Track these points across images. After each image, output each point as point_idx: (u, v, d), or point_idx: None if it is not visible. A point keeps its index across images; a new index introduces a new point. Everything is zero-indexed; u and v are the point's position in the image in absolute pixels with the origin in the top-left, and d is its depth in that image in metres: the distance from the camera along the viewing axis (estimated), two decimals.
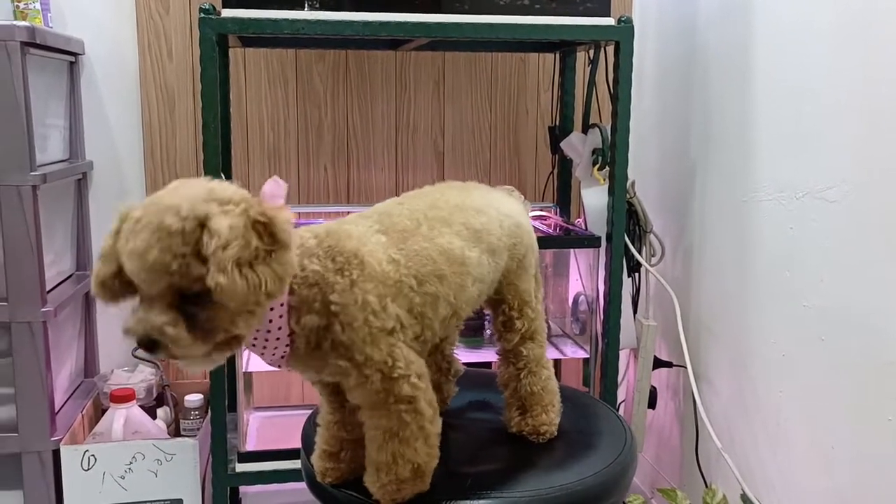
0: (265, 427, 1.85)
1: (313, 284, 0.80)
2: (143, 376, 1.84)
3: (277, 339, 0.81)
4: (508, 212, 1.01)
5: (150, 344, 0.72)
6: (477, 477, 0.92)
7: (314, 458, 0.94)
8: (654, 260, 1.79)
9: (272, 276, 0.71)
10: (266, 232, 0.73)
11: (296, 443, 1.64)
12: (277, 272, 0.72)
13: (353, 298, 0.80)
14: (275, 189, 0.79)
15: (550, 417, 1.01)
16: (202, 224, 0.71)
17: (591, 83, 1.81)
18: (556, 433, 1.02)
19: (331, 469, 0.92)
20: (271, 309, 0.79)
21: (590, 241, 1.67)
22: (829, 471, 1.30)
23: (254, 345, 0.81)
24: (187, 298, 0.72)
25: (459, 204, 0.95)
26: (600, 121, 1.79)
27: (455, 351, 1.14)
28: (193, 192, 0.73)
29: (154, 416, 1.79)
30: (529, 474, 0.94)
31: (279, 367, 0.85)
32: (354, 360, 0.81)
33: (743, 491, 1.45)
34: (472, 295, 0.92)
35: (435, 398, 0.88)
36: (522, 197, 1.14)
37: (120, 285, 0.75)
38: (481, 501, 0.87)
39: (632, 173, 1.65)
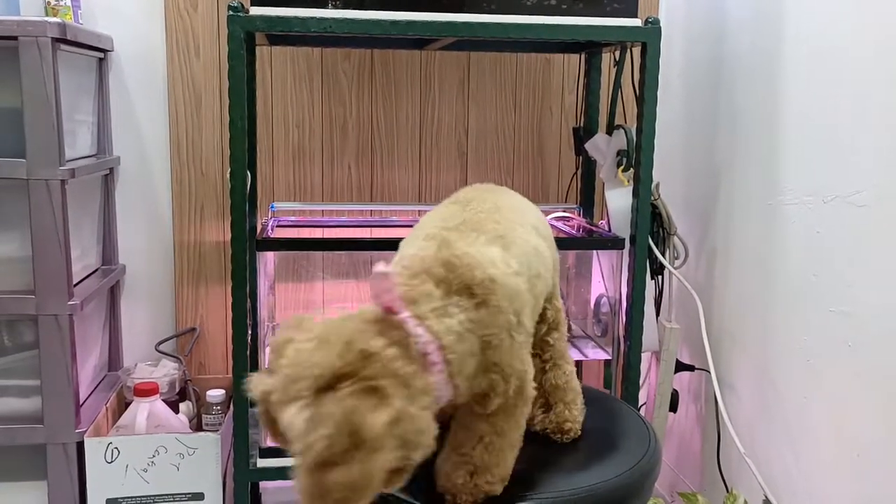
0: None
1: (464, 335, 0.77)
2: (165, 370, 1.86)
3: (439, 405, 0.78)
4: (536, 209, 1.04)
5: None
6: None
7: None
8: (677, 262, 1.78)
9: (344, 484, 0.66)
10: (352, 442, 0.66)
11: None
12: (353, 479, 0.66)
13: (496, 322, 0.79)
14: (381, 284, 0.75)
15: (574, 415, 1.01)
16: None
17: (617, 84, 1.80)
18: (579, 432, 1.01)
19: None
20: (444, 385, 0.77)
21: (613, 243, 1.66)
22: (855, 478, 1.29)
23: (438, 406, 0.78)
24: None
25: (509, 205, 0.96)
26: (625, 122, 1.78)
27: None
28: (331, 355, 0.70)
29: (176, 411, 1.80)
30: (553, 475, 0.93)
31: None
32: (504, 373, 0.82)
33: (765, 496, 1.44)
34: (549, 285, 0.95)
35: None
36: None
37: None
38: (504, 501, 0.87)
39: (656, 175, 1.65)
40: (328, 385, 0.68)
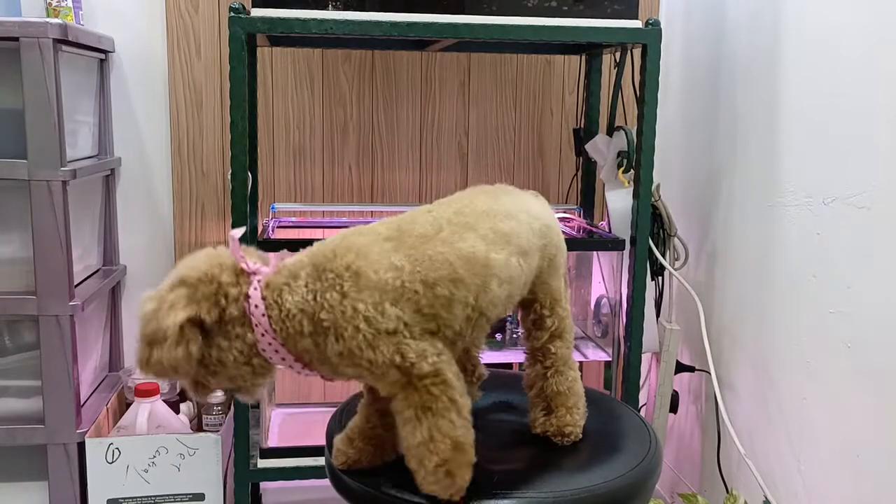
0: (287, 424, 1.86)
1: (295, 315, 0.85)
2: None
3: (291, 366, 0.88)
4: (538, 214, 1.02)
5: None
6: (501, 476, 0.92)
7: (337, 438, 0.97)
8: (677, 264, 1.78)
9: (155, 361, 0.83)
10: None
11: (317, 440, 1.67)
12: (160, 359, 0.82)
13: (341, 311, 0.84)
14: (233, 246, 0.88)
15: (575, 419, 1.01)
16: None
17: (617, 86, 1.81)
18: (580, 436, 1.02)
19: (340, 452, 0.96)
20: (276, 351, 0.87)
21: (614, 244, 1.67)
22: (854, 479, 1.29)
23: (291, 367, 0.89)
24: None
25: (487, 210, 0.96)
26: (625, 123, 1.78)
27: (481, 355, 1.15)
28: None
29: (177, 411, 1.80)
30: (553, 475, 0.94)
31: (303, 369, 0.91)
32: (361, 365, 0.84)
33: (765, 497, 1.44)
34: (498, 295, 0.93)
35: (461, 374, 0.90)
36: (546, 202, 1.15)
37: None
38: (505, 501, 0.88)
39: (656, 176, 1.65)
40: (171, 287, 0.84)
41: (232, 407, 1.79)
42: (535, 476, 0.93)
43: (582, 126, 1.93)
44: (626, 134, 1.71)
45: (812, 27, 1.42)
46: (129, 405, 1.75)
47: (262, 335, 0.85)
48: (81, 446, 1.60)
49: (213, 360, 0.85)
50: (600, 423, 1.06)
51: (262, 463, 1.61)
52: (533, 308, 1.04)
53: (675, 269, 1.77)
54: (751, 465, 1.51)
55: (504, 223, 0.95)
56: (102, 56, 1.84)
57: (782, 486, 1.47)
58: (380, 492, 0.90)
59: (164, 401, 1.75)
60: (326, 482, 0.99)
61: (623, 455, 0.98)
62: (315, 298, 0.84)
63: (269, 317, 0.85)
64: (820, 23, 1.40)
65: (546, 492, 0.89)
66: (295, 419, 1.88)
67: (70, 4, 1.74)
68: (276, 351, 0.86)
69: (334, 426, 1.04)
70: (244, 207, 1.51)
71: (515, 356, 1.76)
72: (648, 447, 0.99)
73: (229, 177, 1.52)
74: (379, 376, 0.86)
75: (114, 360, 1.94)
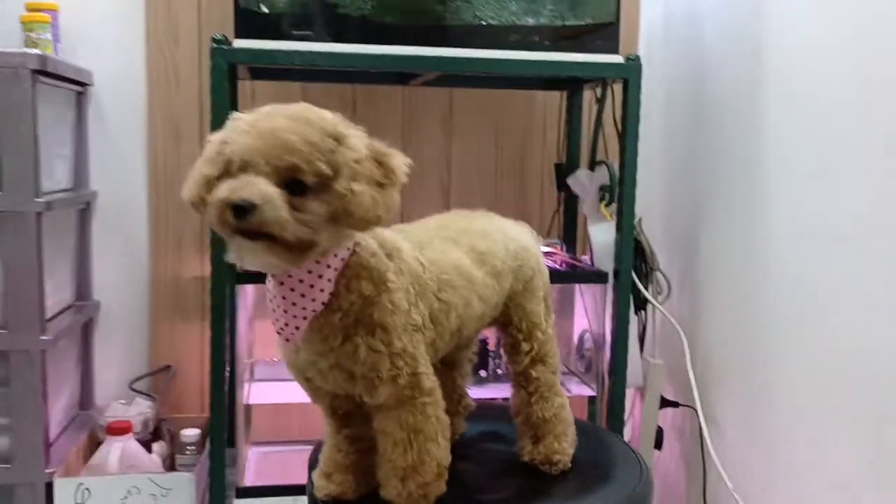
0: (263, 462, 1.81)
1: (374, 254, 0.84)
2: (139, 409, 1.81)
3: (321, 290, 0.81)
4: (515, 236, 1.03)
5: (247, 208, 0.73)
6: None
7: (315, 474, 0.95)
8: (660, 298, 1.78)
9: (384, 205, 0.78)
10: (383, 167, 0.81)
11: (295, 479, 1.62)
12: (388, 203, 0.79)
13: (401, 283, 0.84)
14: None
15: (563, 447, 0.99)
16: (338, 139, 0.78)
17: (599, 120, 1.82)
18: (569, 465, 0.99)
19: (322, 487, 0.93)
20: (334, 255, 0.81)
21: (597, 277, 1.66)
22: None
23: (292, 290, 0.81)
24: (290, 188, 0.75)
25: (465, 228, 0.99)
26: (607, 158, 1.79)
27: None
28: (329, 114, 0.82)
29: (150, 451, 1.75)
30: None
31: (289, 338, 0.84)
32: (392, 347, 0.82)
33: None
34: (476, 312, 0.94)
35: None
36: (535, 232, 1.15)
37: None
38: None
39: (637, 211, 1.65)
40: None
41: (206, 446, 1.74)
42: None
43: (563, 161, 1.94)
44: (608, 168, 1.71)
45: (792, 58, 1.44)
46: (100, 444, 1.70)
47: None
48: (50, 486, 1.54)
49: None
50: (589, 452, 1.04)
51: (238, 503, 1.56)
52: (509, 331, 1.04)
53: (658, 304, 1.76)
54: (739, 501, 1.48)
55: (480, 242, 0.96)
56: (81, 89, 1.83)
57: None
58: None
59: (137, 440, 1.70)
60: None
61: (613, 484, 0.96)
62: (381, 256, 0.85)
63: (357, 243, 0.84)
64: (800, 55, 1.42)
65: None
66: (272, 458, 1.83)
67: (49, 37, 1.72)
68: (334, 268, 0.82)
69: (316, 460, 1.00)
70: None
71: (499, 391, 1.73)
72: (640, 476, 0.97)
73: None
74: (396, 372, 0.83)
75: (85, 398, 1.88)
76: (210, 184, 0.78)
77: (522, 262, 1.01)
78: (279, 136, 0.76)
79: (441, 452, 0.87)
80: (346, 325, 0.82)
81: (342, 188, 0.76)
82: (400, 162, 0.82)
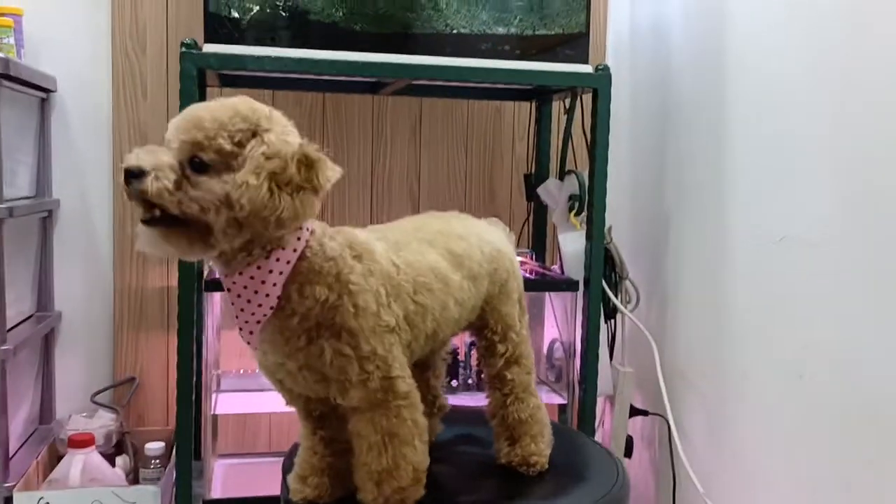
0: (230, 475, 1.77)
1: (331, 259, 0.83)
2: (102, 422, 1.76)
3: (267, 295, 0.81)
4: (490, 239, 1.03)
5: (137, 173, 0.75)
6: None
7: (290, 477, 0.93)
8: (629, 306, 1.79)
9: (291, 208, 0.75)
10: (306, 169, 0.77)
11: (263, 490, 1.59)
12: (297, 208, 0.76)
13: (369, 285, 0.82)
14: None
15: (540, 448, 0.99)
16: (255, 131, 0.77)
17: (568, 131, 1.84)
18: (546, 466, 0.99)
19: (297, 490, 0.91)
20: (276, 260, 0.80)
21: (568, 285, 1.67)
22: None
23: (239, 295, 0.81)
24: (193, 165, 0.76)
25: (442, 230, 0.98)
26: (576, 168, 1.81)
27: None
28: (265, 108, 0.81)
29: (113, 465, 1.70)
30: None
31: (249, 341, 0.84)
32: (360, 350, 0.81)
33: None
34: (453, 315, 0.93)
35: None
36: (507, 229, 1.15)
37: None
38: None
39: (606, 220, 1.66)
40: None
41: (171, 460, 1.70)
42: None
43: (532, 171, 1.95)
44: (577, 177, 1.73)
45: (756, 68, 1.47)
46: (60, 459, 1.65)
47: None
48: (9, 501, 1.49)
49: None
50: (565, 454, 1.04)
51: None
52: (484, 334, 1.04)
53: (628, 312, 1.77)
54: None
55: (457, 244, 0.96)
56: (44, 95, 1.79)
57: None
58: None
59: (100, 453, 1.65)
60: None
61: (590, 485, 0.96)
62: (344, 257, 0.83)
63: (308, 247, 0.82)
64: (764, 62, 1.45)
65: None
66: (238, 469, 1.80)
67: (12, 42, 1.69)
68: (280, 273, 0.81)
69: (289, 465, 0.99)
70: None
71: (472, 400, 1.72)
72: (616, 477, 0.97)
73: None
74: (365, 376, 0.82)
75: (45, 412, 1.83)
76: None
77: (497, 265, 1.00)
78: (193, 114, 0.78)
79: (418, 457, 0.86)
80: (307, 329, 0.81)
81: (239, 177, 0.75)
82: (327, 169, 0.80)
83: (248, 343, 0.84)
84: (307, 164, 0.78)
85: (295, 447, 0.98)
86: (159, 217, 0.76)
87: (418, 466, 0.86)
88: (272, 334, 0.82)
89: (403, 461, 0.84)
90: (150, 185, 0.74)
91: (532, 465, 0.98)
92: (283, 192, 0.75)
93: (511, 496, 0.92)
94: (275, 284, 0.80)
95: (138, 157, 0.76)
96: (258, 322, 0.82)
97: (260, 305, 0.81)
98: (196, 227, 0.76)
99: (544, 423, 1.01)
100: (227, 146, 0.76)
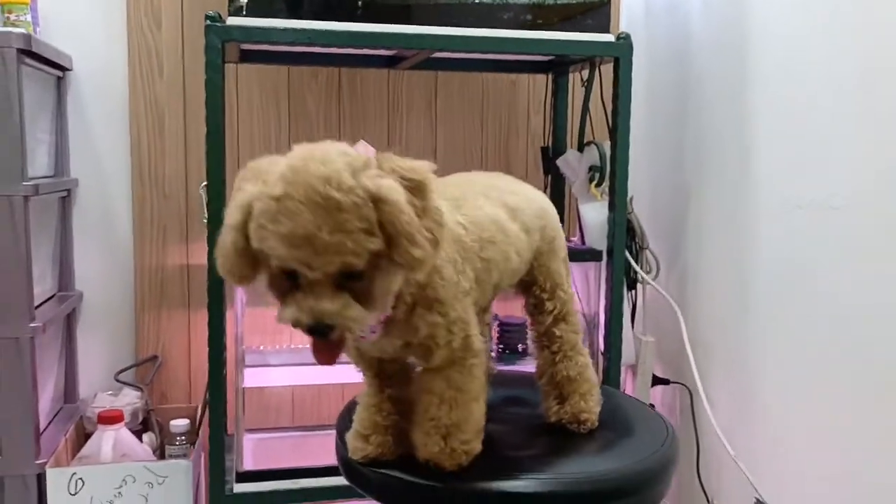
0: (259, 449, 1.78)
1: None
2: (127, 400, 1.76)
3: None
4: (535, 197, 1.04)
5: (325, 329, 0.70)
6: (516, 460, 0.90)
7: (348, 436, 0.93)
8: (650, 276, 1.80)
9: (437, 230, 0.72)
10: (416, 189, 0.72)
11: (292, 462, 1.60)
12: (439, 224, 0.73)
13: (448, 255, 0.82)
14: (367, 151, 0.77)
15: (590, 405, 1.00)
16: (375, 201, 0.69)
17: (587, 101, 1.84)
18: (596, 423, 1.00)
19: (359, 448, 0.91)
20: None
21: (591, 255, 1.68)
22: (841, 479, 1.31)
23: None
24: (348, 275, 0.70)
25: (493, 184, 0.98)
26: (594, 139, 1.81)
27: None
28: (332, 157, 0.70)
29: (140, 441, 1.71)
30: (572, 459, 0.92)
31: (372, 333, 0.83)
32: (448, 317, 0.82)
33: (757, 498, 1.45)
34: (514, 267, 0.94)
35: None
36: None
37: (248, 265, 0.73)
38: (520, 482, 0.85)
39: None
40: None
41: (199, 435, 1.71)
42: (552, 460, 0.91)
43: (549, 145, 1.96)
44: (597, 147, 1.73)
45: (779, 32, 1.48)
46: (87, 436, 1.65)
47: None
48: (41, 478, 1.50)
49: None
50: (614, 414, 1.05)
51: (239, 487, 1.53)
52: (532, 291, 1.04)
53: (651, 281, 1.78)
54: (742, 467, 1.51)
55: (510, 197, 0.97)
56: (61, 74, 1.78)
57: (767, 492, 1.48)
58: (403, 480, 0.86)
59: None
60: None
61: (641, 443, 0.97)
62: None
63: None
64: (787, 29, 1.45)
65: (562, 474, 0.87)
66: (266, 444, 1.81)
67: (29, 19, 1.67)
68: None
69: (346, 416, 0.99)
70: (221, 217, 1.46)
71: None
72: (666, 433, 0.99)
73: (202, 188, 1.47)
74: (451, 337, 0.83)
75: (69, 391, 1.83)
76: (246, 256, 0.73)
77: (546, 223, 1.01)
78: (318, 244, 0.67)
79: (481, 411, 0.87)
80: (409, 310, 0.81)
81: (402, 259, 0.70)
82: (426, 170, 0.74)
83: (363, 338, 0.83)
84: (414, 183, 0.72)
85: (349, 407, 0.99)
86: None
87: (480, 420, 0.87)
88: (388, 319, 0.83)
89: (470, 415, 0.85)
90: (348, 327, 0.71)
91: (583, 422, 0.99)
92: (424, 230, 0.71)
93: (564, 452, 0.94)
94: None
95: (308, 317, 0.70)
96: (380, 322, 0.81)
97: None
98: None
99: (593, 382, 1.02)
100: (376, 244, 0.69)
